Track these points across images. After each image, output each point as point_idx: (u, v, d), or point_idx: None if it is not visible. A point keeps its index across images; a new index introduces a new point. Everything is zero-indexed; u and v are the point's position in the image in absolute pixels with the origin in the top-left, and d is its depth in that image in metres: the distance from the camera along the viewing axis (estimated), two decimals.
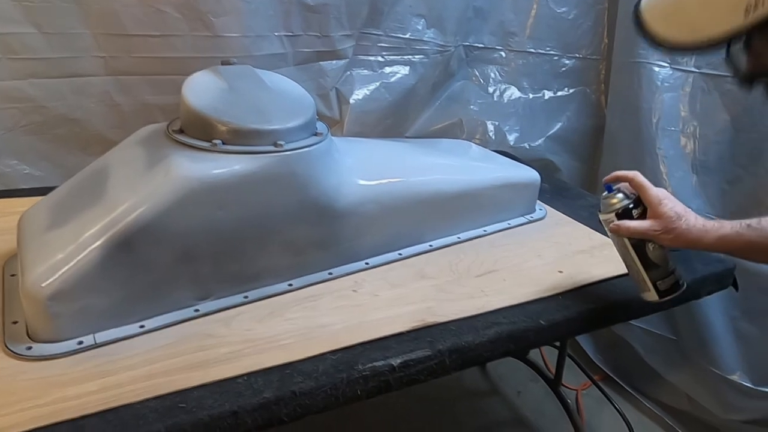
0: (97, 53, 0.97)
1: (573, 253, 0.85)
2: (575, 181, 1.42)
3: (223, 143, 0.63)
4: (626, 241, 0.65)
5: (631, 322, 1.27)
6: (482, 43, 1.39)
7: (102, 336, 0.58)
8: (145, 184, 0.60)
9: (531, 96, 1.43)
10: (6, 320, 0.59)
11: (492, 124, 1.39)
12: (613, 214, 0.65)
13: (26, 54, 0.92)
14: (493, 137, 1.38)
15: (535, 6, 1.36)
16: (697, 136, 1.15)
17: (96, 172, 0.67)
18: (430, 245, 0.83)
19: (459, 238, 0.86)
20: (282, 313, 0.65)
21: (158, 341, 0.59)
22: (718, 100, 1.11)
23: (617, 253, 0.68)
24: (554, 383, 1.17)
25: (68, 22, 0.93)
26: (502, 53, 1.41)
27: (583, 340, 1.44)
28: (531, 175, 0.95)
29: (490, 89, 1.43)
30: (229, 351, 0.58)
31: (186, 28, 0.99)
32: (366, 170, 0.76)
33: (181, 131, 0.66)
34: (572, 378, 1.31)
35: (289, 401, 0.53)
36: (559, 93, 1.45)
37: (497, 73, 1.43)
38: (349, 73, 1.24)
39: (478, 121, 1.39)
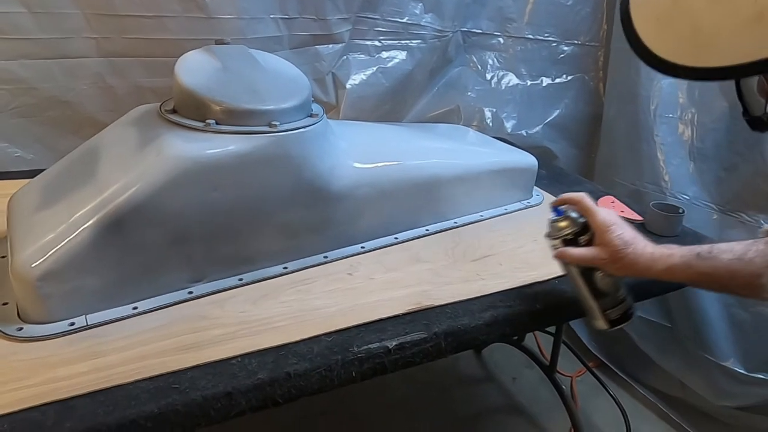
0: (88, 34, 0.95)
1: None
2: (572, 169, 1.42)
3: (217, 123, 0.62)
4: (573, 268, 0.62)
5: None
6: (480, 29, 1.38)
7: (94, 317, 0.57)
8: (137, 163, 0.59)
9: (529, 83, 1.42)
10: None
11: (489, 111, 1.38)
12: (560, 241, 0.62)
13: (16, 34, 0.91)
14: (491, 124, 1.37)
15: None
16: (695, 123, 1.14)
17: (87, 152, 0.66)
18: (426, 229, 0.83)
19: (455, 222, 0.85)
20: (276, 296, 0.65)
21: (151, 323, 0.58)
22: (716, 87, 1.10)
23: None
24: (549, 370, 1.18)
25: (58, 2, 0.91)
26: (500, 39, 1.40)
27: (578, 327, 1.44)
28: (528, 160, 0.95)
29: (488, 76, 1.41)
30: (223, 333, 0.57)
31: (179, 9, 0.97)
32: (362, 153, 0.75)
33: (174, 111, 0.65)
34: (567, 365, 1.32)
35: (284, 383, 0.53)
36: (557, 80, 1.44)
37: (495, 59, 1.42)
38: (345, 57, 1.22)
39: (476, 108, 1.38)
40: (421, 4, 1.23)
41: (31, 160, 1.00)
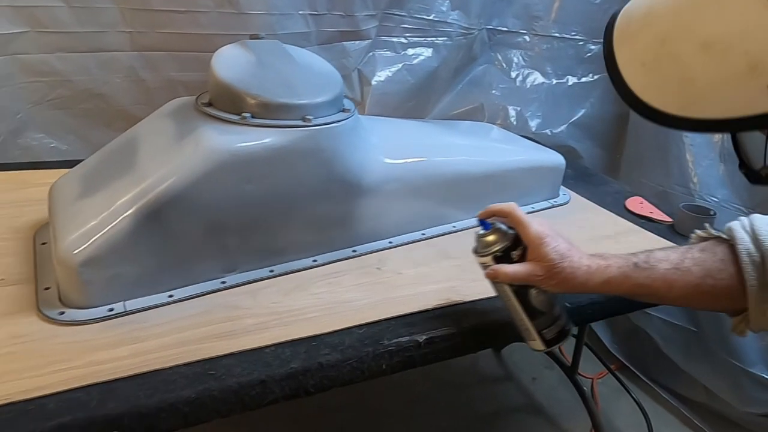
0: (123, 28, 0.97)
1: (598, 238, 0.84)
2: (597, 169, 1.40)
3: (252, 116, 0.63)
4: (507, 287, 0.56)
5: (650, 312, 1.26)
6: (506, 27, 1.37)
7: (132, 304, 0.59)
8: (175, 155, 0.60)
9: (554, 81, 1.41)
10: (39, 286, 0.60)
11: (514, 109, 1.38)
12: (490, 257, 0.55)
13: (54, 27, 0.93)
14: (515, 123, 1.37)
15: None
16: None
17: (125, 143, 0.68)
18: (454, 226, 0.83)
19: None
20: (307, 288, 0.65)
21: (186, 311, 0.59)
22: None
23: (499, 297, 0.59)
24: (570, 371, 1.17)
25: None
26: (526, 37, 1.39)
27: (600, 330, 1.43)
28: (556, 158, 0.94)
29: (513, 74, 1.41)
30: (255, 322, 0.58)
31: (211, 5, 0.99)
32: (391, 149, 0.76)
33: (210, 104, 0.66)
34: (587, 367, 1.31)
35: (316, 372, 0.54)
36: (584, 79, 1.42)
37: (520, 57, 1.41)
38: (371, 54, 1.23)
39: (500, 106, 1.37)
40: (447, 1, 1.23)
41: (66, 151, 1.02)
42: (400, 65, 1.25)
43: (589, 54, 1.39)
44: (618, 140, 1.44)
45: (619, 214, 0.93)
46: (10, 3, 0.89)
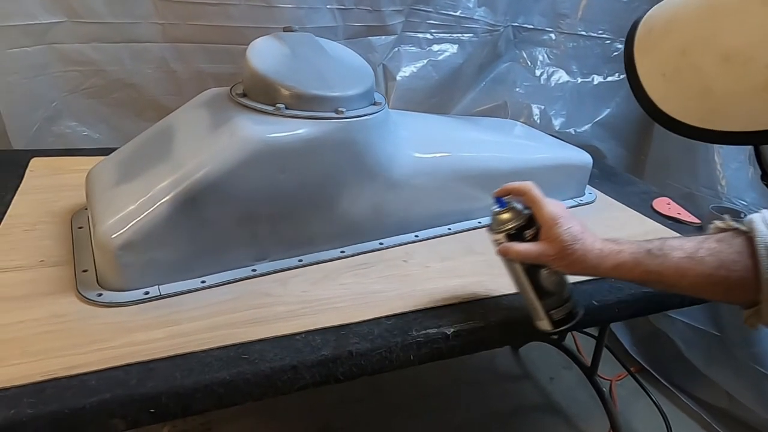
0: (156, 20, 0.99)
1: (624, 238, 0.83)
2: (621, 169, 1.39)
3: (286, 108, 0.64)
4: (518, 265, 0.57)
5: (672, 315, 1.25)
6: (532, 24, 1.36)
7: (166, 288, 0.60)
8: (211, 144, 0.61)
9: (579, 80, 1.40)
10: (77, 269, 0.62)
11: (538, 107, 1.37)
12: (503, 235, 0.56)
13: (90, 18, 0.95)
14: (539, 121, 1.36)
15: None
16: None
17: (161, 132, 0.69)
18: (479, 222, 0.83)
19: None
20: (335, 278, 0.66)
21: (219, 296, 0.61)
22: None
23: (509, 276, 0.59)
24: (590, 371, 1.16)
25: None
26: (552, 35, 1.38)
27: (620, 332, 1.42)
28: (582, 157, 0.94)
29: (538, 72, 1.40)
30: (286, 310, 0.59)
31: None
32: (421, 143, 0.76)
33: (244, 95, 0.67)
34: (606, 369, 1.30)
35: (346, 360, 0.55)
36: (609, 78, 1.41)
37: (545, 55, 1.40)
38: (397, 49, 1.23)
39: (524, 104, 1.37)
40: None
41: (98, 139, 1.05)
42: (425, 61, 1.25)
43: (615, 53, 1.38)
44: (643, 141, 1.42)
45: (646, 215, 0.92)
46: None
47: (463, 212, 0.82)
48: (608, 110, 1.41)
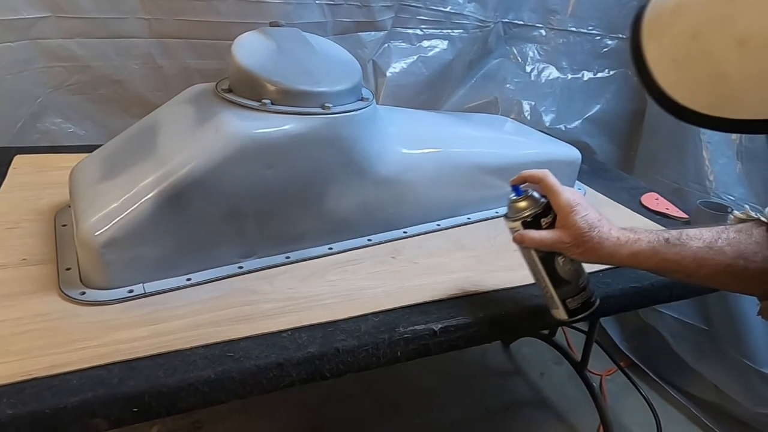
0: (142, 15, 0.98)
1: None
2: (611, 165, 1.39)
3: (272, 103, 0.63)
4: (533, 252, 0.57)
5: (661, 309, 1.26)
6: (522, 20, 1.36)
7: (151, 286, 0.59)
8: (196, 139, 0.60)
9: (569, 76, 1.40)
10: (60, 267, 0.61)
11: (528, 104, 1.37)
12: (519, 222, 0.56)
13: (74, 13, 0.94)
14: (529, 117, 1.36)
15: None
16: None
17: (146, 128, 0.68)
18: (468, 218, 0.83)
19: (497, 212, 0.85)
20: (323, 275, 0.66)
21: (204, 294, 0.60)
22: None
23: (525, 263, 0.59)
24: (580, 366, 1.17)
25: None
26: (542, 31, 1.38)
27: (610, 326, 1.43)
28: (571, 152, 0.94)
29: (528, 68, 1.40)
30: (272, 307, 0.59)
31: None
32: (409, 139, 0.76)
33: (229, 90, 0.66)
34: (596, 364, 1.31)
35: (332, 358, 0.54)
36: (599, 74, 1.41)
37: (536, 51, 1.40)
38: (386, 45, 1.23)
39: (514, 101, 1.37)
40: None
41: (83, 136, 1.04)
42: (415, 57, 1.25)
43: (605, 49, 1.38)
44: (633, 137, 1.43)
45: (634, 210, 0.93)
46: None
47: (451, 208, 0.82)
48: (598, 106, 1.41)
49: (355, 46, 1.17)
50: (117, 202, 0.57)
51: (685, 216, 0.91)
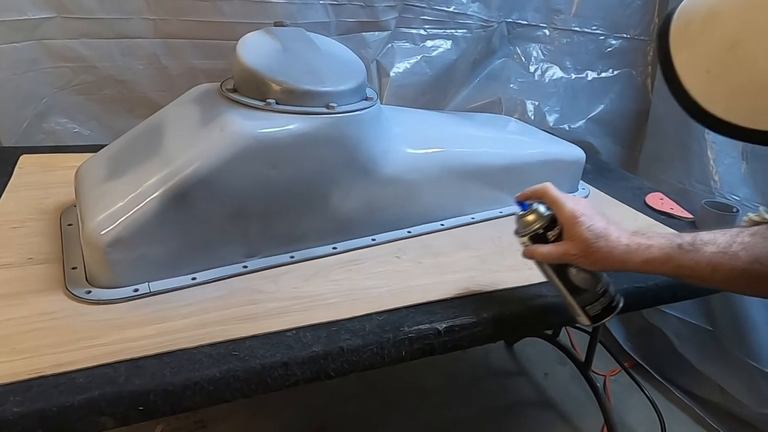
0: (147, 15, 0.98)
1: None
2: (615, 166, 1.39)
3: (277, 103, 0.63)
4: (546, 266, 0.58)
5: (665, 310, 1.25)
6: (526, 20, 1.36)
7: (156, 285, 0.59)
8: (201, 139, 0.61)
9: (573, 76, 1.40)
10: (66, 266, 0.61)
11: (532, 103, 1.37)
12: (527, 237, 0.57)
13: (79, 14, 0.94)
14: (533, 117, 1.36)
15: None
16: None
17: (151, 127, 0.68)
18: (472, 218, 0.83)
19: (501, 212, 0.85)
20: (327, 274, 0.66)
21: (210, 293, 0.60)
22: None
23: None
24: (584, 367, 1.17)
25: None
26: (546, 31, 1.38)
27: (614, 327, 1.42)
28: (576, 152, 0.94)
29: (532, 68, 1.40)
30: (277, 306, 0.59)
31: None
32: (413, 139, 0.76)
33: (234, 90, 0.66)
34: (600, 364, 1.30)
35: (337, 357, 0.54)
36: (603, 74, 1.41)
37: (540, 51, 1.40)
38: (390, 45, 1.23)
39: (518, 101, 1.36)
40: None
41: (88, 136, 1.04)
42: (419, 57, 1.25)
43: (609, 49, 1.38)
44: (637, 137, 1.43)
45: (639, 210, 0.92)
46: None
47: (455, 208, 0.82)
48: (602, 106, 1.41)
49: (358, 46, 1.17)
50: (123, 202, 0.57)
51: (690, 216, 0.91)
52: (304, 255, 0.68)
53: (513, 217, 0.57)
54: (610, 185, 1.02)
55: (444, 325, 0.59)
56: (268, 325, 0.56)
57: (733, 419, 1.19)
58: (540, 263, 0.58)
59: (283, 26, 0.74)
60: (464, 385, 1.30)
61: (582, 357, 1.18)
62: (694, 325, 1.21)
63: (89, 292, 0.58)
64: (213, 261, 0.63)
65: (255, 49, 0.67)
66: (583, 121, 1.40)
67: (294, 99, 0.63)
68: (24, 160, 0.87)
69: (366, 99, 0.70)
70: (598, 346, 1.16)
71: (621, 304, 0.59)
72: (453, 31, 1.26)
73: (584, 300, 0.57)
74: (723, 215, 0.86)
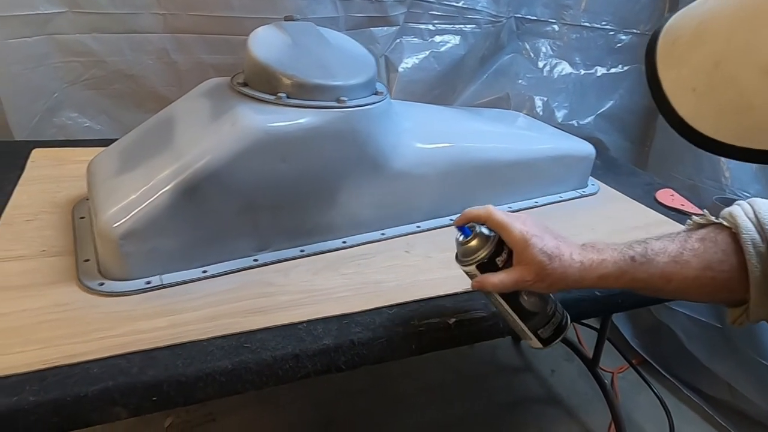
0: (156, 10, 0.98)
1: (628, 229, 0.83)
2: (625, 162, 1.38)
3: (288, 97, 0.63)
4: (496, 294, 0.52)
5: (674, 307, 1.25)
6: (535, 15, 1.35)
7: (168, 278, 0.60)
8: (212, 133, 0.61)
9: (582, 72, 1.39)
10: (79, 258, 0.62)
11: (540, 99, 1.36)
12: (474, 267, 0.51)
13: (90, 8, 0.95)
14: (541, 113, 1.35)
15: None
16: None
17: (162, 122, 0.69)
18: None
19: (510, 207, 0.85)
20: (337, 268, 0.66)
21: (221, 286, 0.60)
22: None
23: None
24: (591, 363, 1.16)
25: None
26: (555, 26, 1.37)
27: (622, 324, 1.42)
28: (585, 148, 0.93)
29: (540, 64, 1.39)
30: (288, 299, 0.59)
31: None
32: (423, 133, 0.76)
33: (245, 84, 0.67)
34: (608, 361, 1.30)
35: (348, 350, 0.55)
36: (613, 70, 1.40)
37: (549, 47, 1.39)
38: (399, 40, 1.22)
39: (526, 96, 1.36)
40: None
41: (99, 131, 1.05)
42: (427, 52, 1.24)
43: (619, 44, 1.37)
44: (646, 133, 1.42)
45: (649, 206, 0.92)
46: None
47: (465, 203, 0.79)
48: (611, 102, 1.40)
49: (367, 41, 1.17)
50: (135, 194, 0.58)
51: (701, 212, 0.90)
52: (314, 249, 0.69)
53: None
54: (620, 181, 1.01)
55: (453, 319, 0.59)
56: (279, 317, 0.56)
57: (743, 417, 1.19)
58: (489, 292, 0.53)
59: (294, 21, 0.74)
60: (471, 381, 1.31)
61: (589, 354, 1.18)
62: (703, 323, 1.20)
63: (102, 284, 0.58)
64: (224, 254, 0.64)
65: (266, 43, 0.67)
66: (592, 117, 1.39)
67: (305, 93, 0.63)
68: (36, 153, 0.88)
69: (376, 93, 0.70)
70: (606, 343, 1.16)
71: (569, 322, 0.56)
72: (462, 26, 1.25)
73: (536, 324, 0.53)
74: None
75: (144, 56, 1.02)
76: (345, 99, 0.64)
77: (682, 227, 0.86)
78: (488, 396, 1.27)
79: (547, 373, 1.36)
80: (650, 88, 0.38)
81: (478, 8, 1.24)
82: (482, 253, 0.51)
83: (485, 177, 0.81)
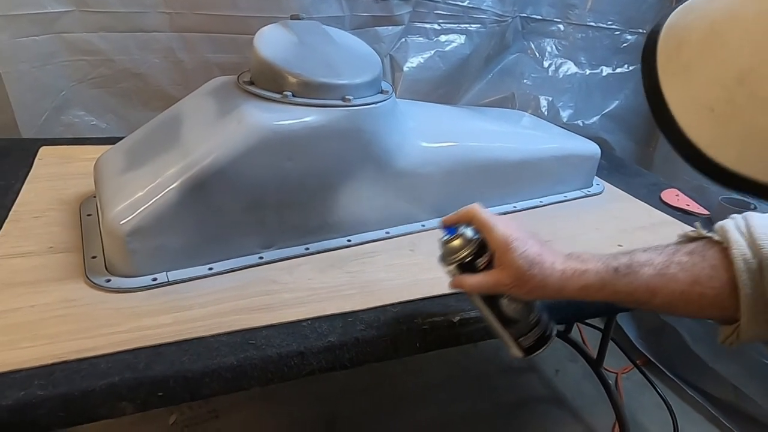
0: (163, 9, 0.99)
1: (632, 229, 0.83)
2: (630, 162, 1.38)
3: (294, 95, 0.63)
4: (475, 296, 0.52)
5: None
6: (540, 15, 1.35)
7: (174, 275, 0.60)
8: (218, 131, 0.61)
9: (588, 72, 1.39)
10: (86, 255, 0.62)
11: (545, 99, 1.36)
12: (455, 266, 0.51)
13: (97, 7, 0.95)
14: (546, 113, 1.35)
15: None
16: None
17: (169, 120, 0.69)
18: None
19: (515, 207, 0.85)
20: (342, 266, 0.66)
21: (226, 283, 0.61)
22: None
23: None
24: (595, 364, 1.16)
25: None
26: (561, 26, 1.37)
27: (626, 324, 1.41)
28: (590, 147, 0.93)
29: (546, 63, 1.39)
30: (293, 297, 0.60)
31: None
32: (428, 133, 0.76)
33: (251, 83, 0.67)
34: (612, 361, 1.30)
35: (352, 347, 0.55)
36: (618, 70, 1.40)
37: (554, 46, 1.39)
38: (404, 40, 1.23)
39: (531, 96, 1.36)
40: None
41: (105, 129, 1.05)
42: (433, 52, 1.24)
43: (625, 44, 1.37)
44: (652, 133, 1.41)
45: (654, 206, 0.92)
46: None
47: (469, 202, 0.80)
48: (617, 102, 1.40)
49: (372, 40, 1.17)
50: (142, 192, 0.58)
51: (706, 212, 0.90)
52: (318, 247, 0.69)
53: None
54: (625, 181, 1.01)
55: (458, 317, 0.59)
56: (284, 315, 0.56)
57: (747, 419, 1.18)
58: (470, 294, 0.53)
59: (300, 19, 0.74)
60: (475, 381, 1.31)
61: (594, 354, 1.18)
62: (707, 323, 1.19)
63: (109, 280, 0.59)
64: (229, 252, 0.64)
65: (272, 41, 0.68)
66: (598, 117, 1.39)
67: (310, 91, 0.64)
68: (44, 151, 0.88)
69: (381, 92, 0.70)
70: (610, 344, 1.16)
71: (554, 333, 0.54)
72: (467, 25, 1.25)
73: (517, 331, 0.52)
74: (740, 211, 0.84)
75: (151, 55, 1.02)
76: (350, 98, 0.65)
77: (688, 228, 0.87)
78: (492, 395, 1.27)
79: (551, 372, 1.35)
80: (649, 101, 0.31)
81: (483, 7, 1.24)
82: (463, 253, 0.51)
83: (490, 176, 0.81)
